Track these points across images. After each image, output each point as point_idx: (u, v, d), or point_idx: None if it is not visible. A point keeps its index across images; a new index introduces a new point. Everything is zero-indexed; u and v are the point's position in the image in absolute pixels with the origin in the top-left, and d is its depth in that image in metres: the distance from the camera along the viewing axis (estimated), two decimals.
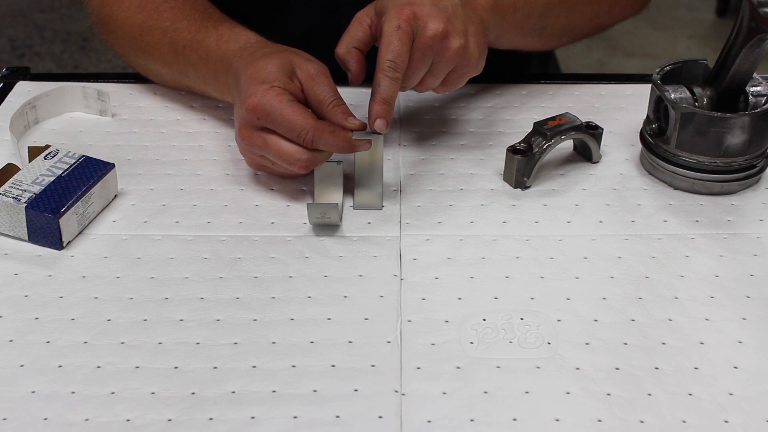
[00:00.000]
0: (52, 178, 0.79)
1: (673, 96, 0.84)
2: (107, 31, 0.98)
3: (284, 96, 0.78)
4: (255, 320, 0.70)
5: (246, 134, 0.80)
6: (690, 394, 0.64)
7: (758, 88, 0.85)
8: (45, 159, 0.81)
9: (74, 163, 0.81)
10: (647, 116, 0.87)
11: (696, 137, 0.82)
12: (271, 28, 1.00)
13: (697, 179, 0.84)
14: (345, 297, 0.73)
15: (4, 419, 0.62)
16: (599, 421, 0.62)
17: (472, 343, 0.68)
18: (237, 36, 0.87)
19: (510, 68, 1.05)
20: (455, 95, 0.99)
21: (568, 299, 0.73)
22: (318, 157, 0.79)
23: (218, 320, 0.70)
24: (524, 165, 0.84)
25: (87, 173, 0.80)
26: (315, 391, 0.64)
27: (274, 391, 0.64)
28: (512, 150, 0.84)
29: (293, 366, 0.66)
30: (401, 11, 0.80)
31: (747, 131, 0.81)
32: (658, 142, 0.85)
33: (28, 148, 0.84)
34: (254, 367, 0.66)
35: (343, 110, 0.79)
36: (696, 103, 0.85)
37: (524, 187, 0.85)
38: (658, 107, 0.85)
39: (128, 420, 0.62)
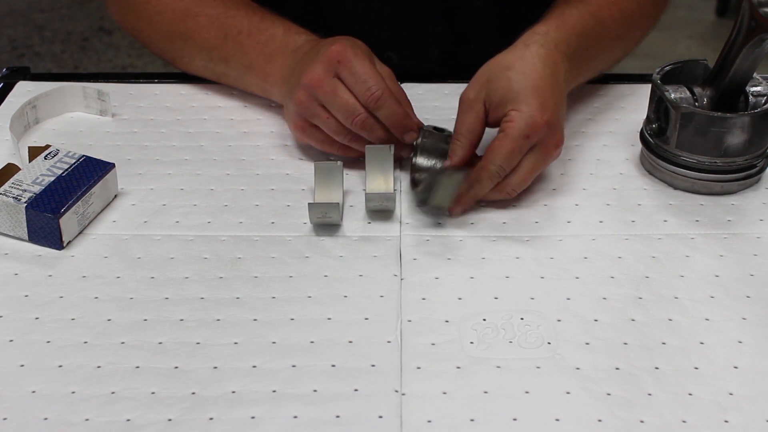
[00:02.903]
0: (53, 178, 0.79)
1: (673, 96, 0.84)
2: (138, 17, 0.99)
3: (369, 59, 0.83)
4: (255, 320, 0.70)
5: (318, 77, 0.82)
6: (690, 394, 0.64)
7: (758, 88, 0.85)
8: (45, 159, 0.81)
9: (74, 163, 0.81)
10: (647, 116, 0.87)
11: (696, 137, 0.82)
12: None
13: (697, 179, 0.84)
14: (345, 297, 0.73)
15: (4, 419, 0.62)
16: (599, 421, 0.62)
17: (472, 343, 0.68)
18: (306, 33, 0.91)
19: None
20: (456, 95, 0.98)
21: (568, 299, 0.72)
22: (375, 123, 0.82)
23: (218, 320, 0.70)
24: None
25: (87, 173, 0.80)
26: (315, 391, 0.64)
27: (274, 391, 0.64)
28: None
29: (293, 366, 0.66)
30: (535, 121, 0.78)
31: (747, 131, 0.81)
32: (658, 142, 0.85)
33: (28, 148, 0.84)
34: (254, 367, 0.66)
35: (414, 118, 0.84)
36: (696, 103, 0.85)
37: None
38: (658, 107, 0.85)
39: (128, 420, 0.62)
